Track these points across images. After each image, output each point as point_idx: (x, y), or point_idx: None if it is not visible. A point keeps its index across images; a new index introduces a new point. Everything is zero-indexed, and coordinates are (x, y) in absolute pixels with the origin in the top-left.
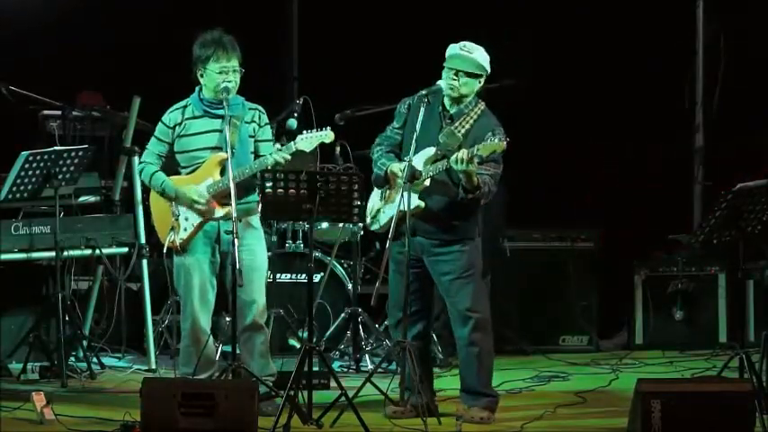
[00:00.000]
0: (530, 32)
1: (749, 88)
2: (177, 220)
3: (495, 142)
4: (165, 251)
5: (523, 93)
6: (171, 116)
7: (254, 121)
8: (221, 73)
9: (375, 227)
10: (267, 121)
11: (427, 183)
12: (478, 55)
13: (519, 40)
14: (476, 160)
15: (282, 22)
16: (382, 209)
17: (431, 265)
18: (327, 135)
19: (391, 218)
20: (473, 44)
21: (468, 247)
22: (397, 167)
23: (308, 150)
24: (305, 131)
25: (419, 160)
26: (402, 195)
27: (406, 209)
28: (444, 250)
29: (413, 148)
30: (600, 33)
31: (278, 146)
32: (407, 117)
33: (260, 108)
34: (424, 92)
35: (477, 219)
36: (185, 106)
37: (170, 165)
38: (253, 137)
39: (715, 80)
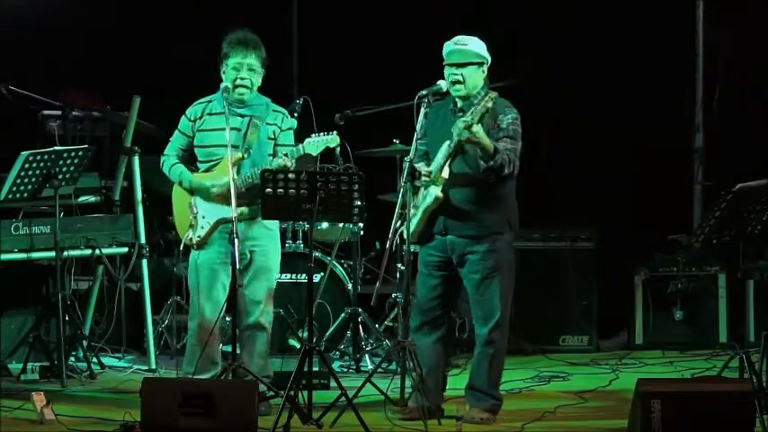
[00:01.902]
0: (530, 32)
1: (749, 88)
2: (195, 217)
3: (482, 104)
4: (182, 248)
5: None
6: (193, 109)
7: (276, 124)
8: (235, 69)
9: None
10: (290, 125)
11: (446, 174)
12: (473, 45)
13: (519, 41)
14: (474, 128)
15: (282, 22)
16: (413, 215)
17: (462, 263)
18: (333, 139)
19: (419, 220)
20: (466, 36)
21: (498, 244)
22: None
23: (314, 154)
24: (313, 135)
25: (439, 158)
26: (402, 196)
27: (407, 210)
28: (473, 248)
29: (413, 148)
30: (600, 33)
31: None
32: (427, 125)
33: (284, 112)
34: (424, 92)
35: (507, 210)
36: (209, 101)
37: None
38: (272, 139)
39: (715, 80)
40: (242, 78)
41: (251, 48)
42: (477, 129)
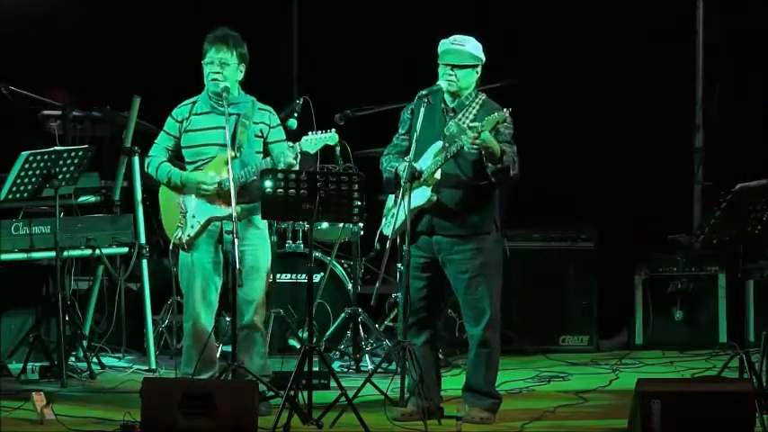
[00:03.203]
0: (530, 32)
1: (749, 88)
2: (185, 217)
3: (496, 115)
4: (171, 248)
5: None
6: (180, 110)
7: (264, 122)
8: (208, 64)
9: (388, 230)
10: (278, 121)
11: (438, 176)
12: (470, 46)
13: (519, 41)
14: (484, 135)
15: (282, 22)
16: (396, 212)
17: (447, 264)
18: (332, 137)
19: (405, 220)
20: (463, 36)
21: (485, 243)
22: (404, 168)
23: (312, 152)
24: (310, 132)
25: (428, 157)
26: (402, 197)
27: (406, 210)
28: (461, 248)
29: (413, 148)
30: (600, 33)
31: None
32: (412, 122)
33: (270, 109)
34: (424, 92)
35: (494, 211)
36: (195, 102)
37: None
38: (260, 137)
39: (715, 80)
40: (214, 73)
41: (222, 43)
42: (486, 136)
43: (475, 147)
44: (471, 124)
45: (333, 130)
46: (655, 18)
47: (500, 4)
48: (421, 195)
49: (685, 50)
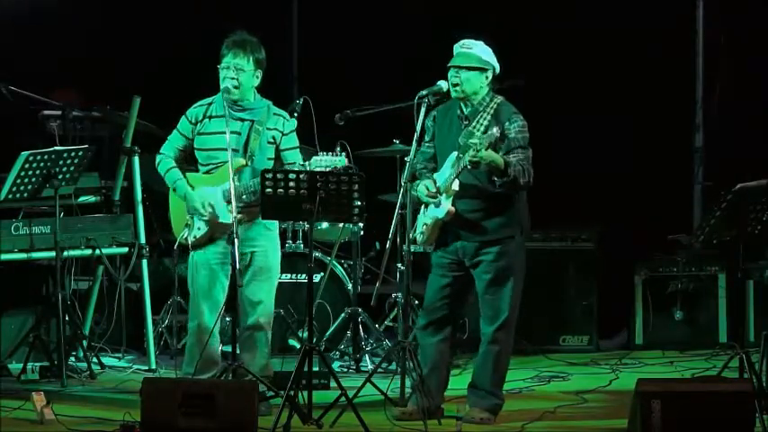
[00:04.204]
0: (530, 32)
1: (749, 88)
2: (192, 218)
3: (488, 135)
4: (175, 246)
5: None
6: (194, 111)
7: (277, 129)
8: (225, 69)
9: (421, 239)
10: (292, 127)
11: (456, 186)
12: (478, 49)
13: (519, 41)
14: (481, 153)
15: (282, 22)
16: (424, 221)
17: (472, 267)
18: (341, 161)
19: (431, 231)
20: (472, 40)
21: (509, 247)
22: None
23: None
24: (321, 153)
25: (446, 168)
26: (402, 197)
27: (407, 212)
28: (485, 251)
29: (413, 149)
30: (600, 33)
31: None
32: (435, 129)
33: (285, 114)
34: (424, 92)
35: (518, 215)
36: (210, 104)
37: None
38: (272, 143)
39: (715, 80)
40: (230, 78)
41: (239, 48)
42: (484, 154)
43: (473, 164)
44: (470, 141)
45: (343, 154)
46: (655, 18)
47: (500, 4)
48: (441, 209)
49: (685, 50)
